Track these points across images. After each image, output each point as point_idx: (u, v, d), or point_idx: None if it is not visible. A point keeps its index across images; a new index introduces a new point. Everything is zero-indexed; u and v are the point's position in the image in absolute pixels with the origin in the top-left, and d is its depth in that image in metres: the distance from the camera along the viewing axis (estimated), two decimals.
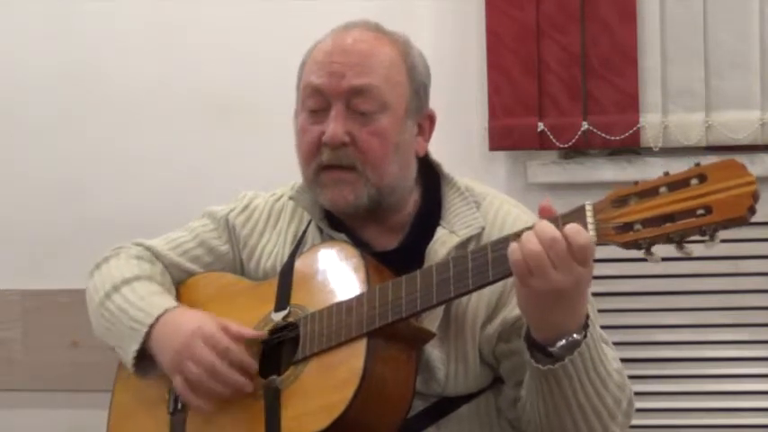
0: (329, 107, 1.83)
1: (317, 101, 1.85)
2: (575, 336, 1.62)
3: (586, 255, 1.56)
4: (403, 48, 1.89)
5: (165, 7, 2.85)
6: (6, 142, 2.94)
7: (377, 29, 1.90)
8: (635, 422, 2.69)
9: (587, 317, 1.65)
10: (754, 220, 2.64)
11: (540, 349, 1.64)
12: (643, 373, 2.72)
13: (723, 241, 2.60)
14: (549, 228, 1.56)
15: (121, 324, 1.92)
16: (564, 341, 1.62)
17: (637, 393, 2.66)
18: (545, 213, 1.60)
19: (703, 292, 2.70)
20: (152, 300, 1.92)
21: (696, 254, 2.68)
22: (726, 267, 2.69)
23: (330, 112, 1.83)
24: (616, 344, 2.65)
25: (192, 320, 1.84)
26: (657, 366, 2.73)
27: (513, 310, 1.78)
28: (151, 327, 1.87)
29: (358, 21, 1.91)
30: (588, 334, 1.63)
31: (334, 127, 1.82)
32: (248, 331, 1.83)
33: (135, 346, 1.87)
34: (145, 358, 1.89)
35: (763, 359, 2.70)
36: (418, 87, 1.89)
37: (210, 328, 1.80)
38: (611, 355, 1.75)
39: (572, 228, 1.55)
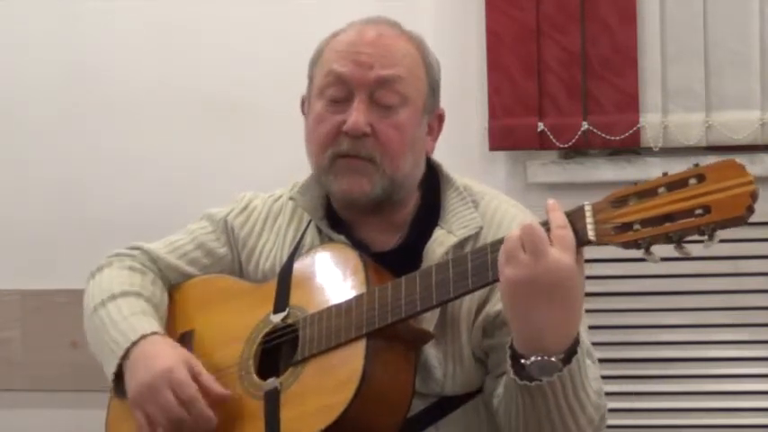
0: (351, 97, 1.83)
1: (340, 90, 1.84)
2: (552, 359, 1.58)
3: (564, 240, 1.54)
4: (422, 47, 1.90)
5: (165, 7, 2.85)
6: (6, 142, 2.94)
7: (397, 26, 1.91)
8: (636, 422, 2.71)
9: (578, 342, 1.61)
10: (754, 220, 2.64)
11: (517, 360, 1.62)
12: (644, 373, 2.72)
13: (724, 241, 2.59)
14: (533, 221, 1.58)
15: (103, 342, 1.91)
16: (539, 358, 1.58)
17: (637, 393, 2.69)
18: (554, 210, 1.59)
19: (704, 292, 2.70)
20: (132, 321, 1.89)
21: (697, 254, 2.68)
22: (726, 267, 2.69)
23: (352, 102, 1.83)
24: (616, 344, 2.67)
25: (163, 358, 1.81)
26: (658, 366, 2.73)
27: (494, 305, 1.77)
28: (127, 350, 1.85)
29: (378, 17, 1.91)
30: (574, 360, 1.60)
31: (357, 116, 1.81)
32: (217, 388, 1.80)
33: (112, 369, 1.87)
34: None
35: (764, 359, 2.70)
36: (434, 85, 1.90)
37: (179, 373, 1.78)
38: (594, 375, 1.72)
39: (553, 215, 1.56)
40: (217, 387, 1.80)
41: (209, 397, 1.78)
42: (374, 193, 1.83)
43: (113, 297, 1.96)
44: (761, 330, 2.69)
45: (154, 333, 1.87)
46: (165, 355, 1.82)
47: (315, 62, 1.91)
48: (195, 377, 1.79)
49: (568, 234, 1.56)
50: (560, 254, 1.55)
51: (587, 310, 1.85)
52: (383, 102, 1.83)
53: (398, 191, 1.86)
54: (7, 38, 2.93)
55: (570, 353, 1.60)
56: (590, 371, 1.69)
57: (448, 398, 1.83)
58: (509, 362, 1.64)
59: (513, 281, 1.56)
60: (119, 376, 1.87)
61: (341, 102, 1.84)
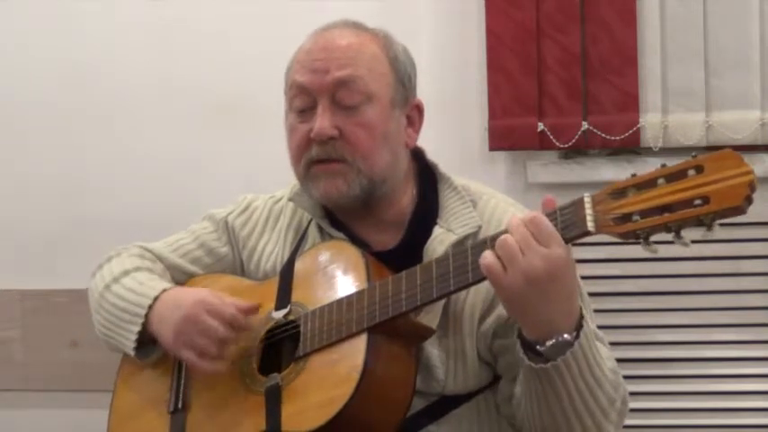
0: (315, 104, 1.85)
1: (303, 99, 1.87)
2: (565, 336, 1.61)
3: (544, 234, 1.56)
4: (383, 41, 1.91)
5: (165, 7, 2.85)
6: (6, 141, 2.94)
7: (356, 26, 1.92)
8: (636, 422, 2.71)
9: (581, 316, 1.64)
10: (754, 220, 2.63)
11: (531, 348, 1.64)
12: (644, 373, 2.72)
13: (724, 241, 2.62)
14: (515, 218, 1.59)
15: (121, 311, 1.93)
16: (554, 340, 1.61)
17: (638, 393, 2.68)
18: (549, 206, 1.61)
19: (704, 292, 2.70)
20: (151, 284, 1.94)
21: (697, 254, 2.69)
22: (727, 267, 2.69)
23: (317, 109, 1.85)
24: (616, 344, 2.65)
25: (191, 293, 1.88)
26: (659, 366, 2.73)
27: None
28: (150, 307, 1.89)
29: (337, 21, 1.93)
30: (582, 334, 1.62)
31: (321, 121, 1.83)
32: (245, 303, 1.86)
33: (136, 328, 1.89)
34: (146, 343, 1.91)
35: (764, 359, 2.70)
36: (402, 78, 1.90)
37: (213, 300, 1.84)
38: (606, 354, 1.75)
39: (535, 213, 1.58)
40: (244, 303, 1.85)
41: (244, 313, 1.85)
42: (353, 191, 1.85)
43: (127, 272, 1.99)
44: (761, 330, 2.69)
45: (174, 287, 1.94)
46: (192, 292, 1.89)
47: (286, 76, 1.93)
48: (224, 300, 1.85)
49: (544, 226, 1.57)
50: (549, 250, 1.56)
51: None
52: (345, 102, 1.84)
53: (381, 186, 1.87)
54: (7, 38, 2.93)
55: (578, 327, 1.62)
56: (601, 350, 1.71)
57: (449, 397, 1.83)
58: (521, 351, 1.65)
59: (516, 285, 1.58)
60: (139, 346, 1.90)
61: (307, 111, 1.87)
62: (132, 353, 1.91)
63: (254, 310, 1.85)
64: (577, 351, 1.61)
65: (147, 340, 1.90)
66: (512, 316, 1.65)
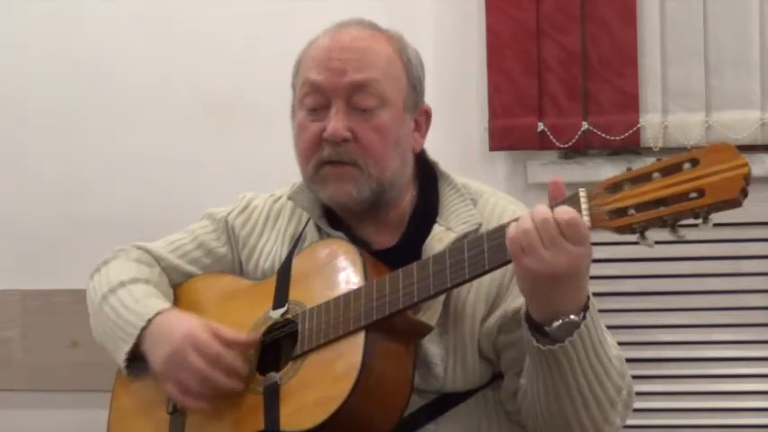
0: (329, 104, 1.84)
1: (317, 98, 1.85)
2: (572, 317, 1.62)
3: (576, 232, 1.56)
4: (398, 44, 1.90)
5: (165, 7, 2.86)
6: (6, 141, 2.95)
7: (372, 26, 1.91)
8: (637, 422, 2.71)
9: (588, 298, 1.65)
10: (755, 219, 2.63)
11: (537, 329, 1.65)
12: (645, 373, 2.72)
13: (724, 241, 2.62)
14: (542, 208, 1.59)
15: (116, 326, 1.92)
16: (560, 321, 1.62)
17: (638, 393, 2.65)
18: (555, 191, 1.61)
19: (705, 292, 2.70)
20: (146, 302, 1.92)
21: (697, 254, 2.68)
22: (727, 267, 2.69)
23: (330, 109, 1.83)
24: (617, 344, 2.66)
25: (182, 325, 1.84)
26: (659, 366, 2.73)
27: (512, 302, 1.78)
28: (143, 329, 1.87)
29: (352, 19, 1.92)
30: (588, 315, 1.63)
31: (336, 123, 1.82)
32: (242, 337, 1.83)
33: (126, 348, 1.88)
34: (137, 360, 1.90)
35: (764, 359, 2.70)
36: (414, 82, 1.90)
37: (200, 335, 1.80)
38: (611, 342, 1.75)
39: (560, 208, 1.57)
40: (241, 336, 1.82)
41: (237, 348, 1.81)
42: (362, 195, 1.84)
43: (123, 284, 1.97)
44: (762, 330, 2.70)
45: (168, 310, 1.90)
46: (184, 323, 1.85)
47: (295, 71, 1.92)
48: (215, 335, 1.81)
49: (581, 228, 1.56)
50: (577, 248, 1.57)
51: None
52: (361, 105, 1.83)
53: (389, 191, 1.87)
54: (7, 37, 2.94)
55: (585, 308, 1.63)
56: (608, 338, 1.72)
57: (448, 394, 1.83)
58: (528, 333, 1.66)
59: (534, 272, 1.58)
60: (131, 360, 1.89)
61: (320, 109, 1.85)
62: (124, 371, 1.91)
63: (246, 345, 1.82)
64: (584, 332, 1.62)
65: (139, 356, 1.89)
66: (523, 295, 1.65)
